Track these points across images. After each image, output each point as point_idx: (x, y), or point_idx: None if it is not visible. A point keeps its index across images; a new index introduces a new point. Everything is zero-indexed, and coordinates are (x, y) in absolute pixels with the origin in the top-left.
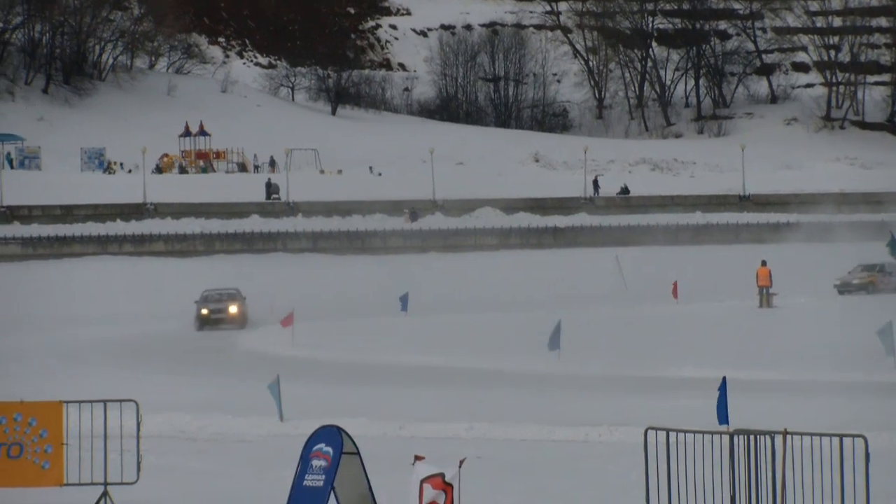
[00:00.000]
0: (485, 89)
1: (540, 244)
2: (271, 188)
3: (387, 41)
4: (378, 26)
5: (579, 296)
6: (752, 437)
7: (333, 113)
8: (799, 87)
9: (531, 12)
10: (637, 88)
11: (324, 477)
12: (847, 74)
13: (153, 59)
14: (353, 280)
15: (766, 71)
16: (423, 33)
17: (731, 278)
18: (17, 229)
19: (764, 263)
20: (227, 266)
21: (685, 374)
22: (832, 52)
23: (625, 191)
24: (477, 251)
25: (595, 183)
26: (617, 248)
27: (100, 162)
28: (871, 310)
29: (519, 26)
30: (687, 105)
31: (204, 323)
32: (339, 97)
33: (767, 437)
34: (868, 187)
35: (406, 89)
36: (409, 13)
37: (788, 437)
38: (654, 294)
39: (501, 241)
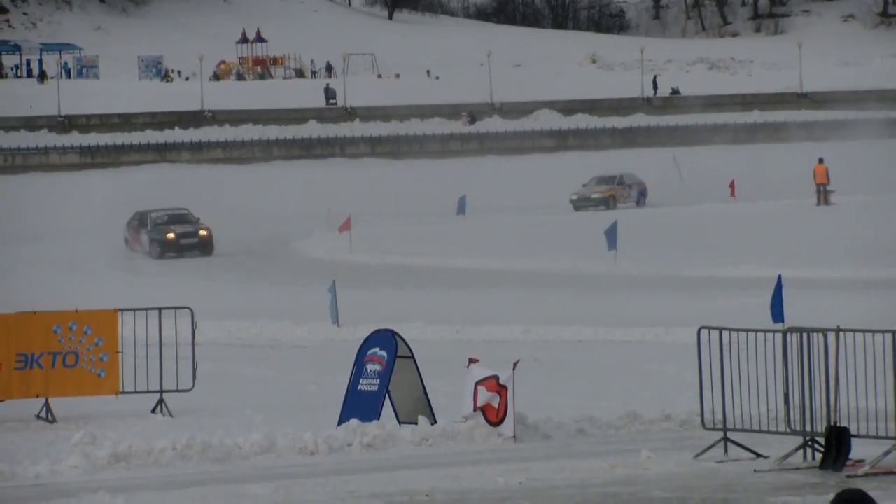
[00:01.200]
0: None
1: (597, 145)
2: (329, 93)
3: None
4: None
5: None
6: (804, 335)
7: (390, 17)
8: None
9: None
10: None
11: (378, 381)
12: None
13: None
14: (411, 184)
15: None
16: None
17: (789, 177)
18: (75, 138)
19: (821, 161)
20: (285, 172)
21: (741, 274)
22: None
23: (675, 92)
24: (535, 153)
25: (654, 83)
26: (674, 149)
27: (157, 70)
28: None
29: None
30: (743, 4)
31: (166, 249)
32: (396, 1)
33: (820, 335)
34: None
35: None
36: None
37: (841, 334)
38: (711, 193)
39: (559, 143)
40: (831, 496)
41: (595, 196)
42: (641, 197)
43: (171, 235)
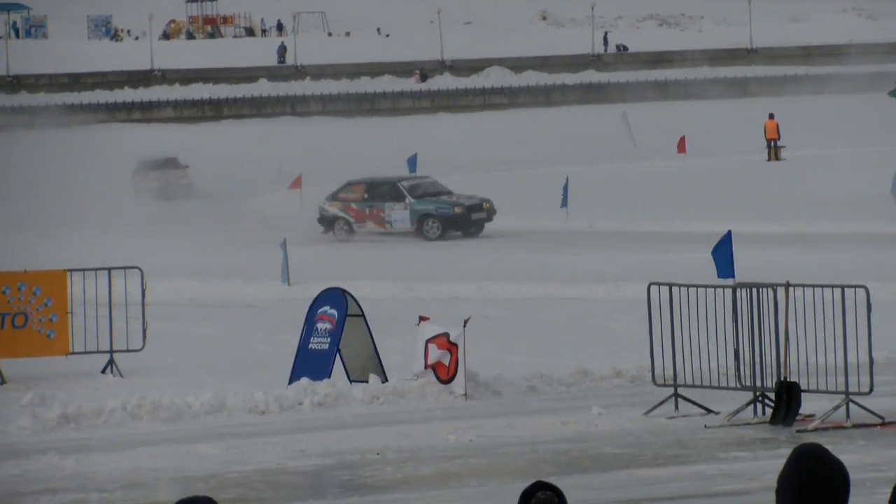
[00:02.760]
0: None
1: (548, 102)
2: (281, 52)
3: None
4: None
5: (588, 153)
6: (754, 290)
7: None
8: None
9: None
10: None
11: (329, 339)
12: None
13: None
14: (362, 142)
15: None
16: None
17: (740, 133)
18: (24, 98)
19: (771, 116)
20: (235, 130)
21: (691, 229)
22: None
23: (623, 48)
24: (486, 111)
25: (605, 39)
26: (625, 105)
27: (106, 29)
28: (881, 162)
29: None
30: None
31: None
32: None
33: (770, 290)
34: (875, 38)
35: None
36: None
37: (791, 288)
38: (662, 150)
39: (510, 101)
40: (786, 451)
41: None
42: None
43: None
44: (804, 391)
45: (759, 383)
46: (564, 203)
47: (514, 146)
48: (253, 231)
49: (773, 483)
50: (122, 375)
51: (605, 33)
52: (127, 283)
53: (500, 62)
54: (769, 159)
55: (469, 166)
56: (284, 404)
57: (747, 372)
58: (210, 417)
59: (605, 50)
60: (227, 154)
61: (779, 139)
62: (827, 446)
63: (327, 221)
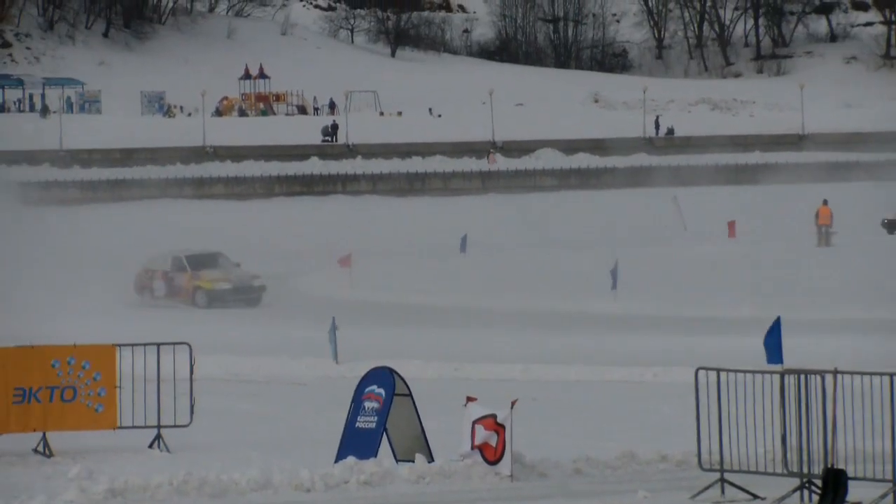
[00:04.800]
0: (544, 30)
1: (599, 184)
2: (325, 130)
3: None
4: None
5: (638, 236)
6: (802, 377)
7: (393, 55)
8: (858, 25)
9: None
10: (696, 28)
11: (376, 418)
12: None
13: (213, 1)
14: (413, 221)
15: (826, 9)
16: None
17: (790, 218)
18: (76, 173)
19: (825, 203)
20: (286, 208)
21: (740, 314)
22: None
23: (671, 132)
24: (536, 192)
25: (656, 123)
26: (676, 189)
27: (160, 105)
28: None
29: None
30: (746, 45)
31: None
32: (399, 39)
33: (818, 377)
34: None
35: (465, 31)
36: None
37: (839, 376)
38: (712, 234)
39: (561, 182)
40: None
41: None
42: None
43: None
44: (851, 478)
45: (805, 469)
46: (614, 285)
47: (563, 227)
48: (301, 308)
49: None
50: (168, 451)
51: (657, 117)
52: (175, 358)
53: (552, 144)
54: (819, 244)
55: (517, 247)
56: (330, 482)
57: (794, 458)
58: (256, 494)
59: (657, 133)
60: (278, 231)
61: (831, 225)
62: None
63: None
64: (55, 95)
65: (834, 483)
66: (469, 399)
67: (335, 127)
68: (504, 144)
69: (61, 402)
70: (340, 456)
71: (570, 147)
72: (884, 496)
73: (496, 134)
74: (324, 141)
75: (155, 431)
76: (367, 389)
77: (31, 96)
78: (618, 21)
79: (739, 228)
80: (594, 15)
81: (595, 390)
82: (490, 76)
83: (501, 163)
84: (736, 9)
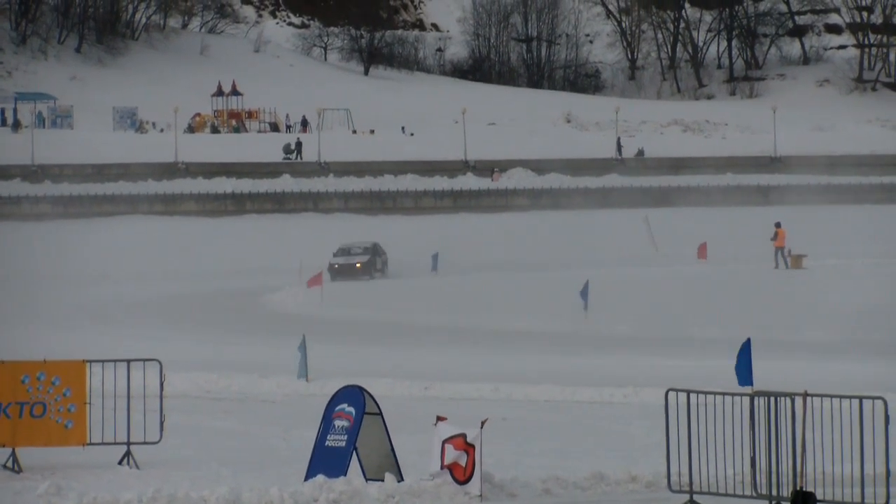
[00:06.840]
0: (517, 50)
1: (571, 205)
2: (286, 148)
3: (420, 1)
4: None
5: (609, 256)
6: (772, 399)
7: (366, 73)
8: (831, 48)
9: None
10: (669, 49)
11: (346, 437)
12: (879, 36)
13: (186, 18)
14: (384, 240)
15: (799, 32)
16: None
17: (761, 240)
18: (48, 188)
19: (778, 225)
20: (257, 225)
21: (709, 335)
22: (864, 14)
23: (640, 153)
24: (508, 211)
25: (618, 143)
26: (647, 209)
27: (132, 121)
28: None
29: None
30: (719, 66)
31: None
32: (372, 57)
33: (787, 399)
34: None
35: (439, 49)
36: None
37: (808, 398)
38: (682, 255)
39: (532, 202)
40: None
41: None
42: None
43: None
44: (820, 501)
45: (775, 492)
46: (585, 306)
47: (535, 247)
48: (272, 326)
49: None
50: (138, 467)
51: (618, 138)
52: (146, 374)
53: (523, 163)
54: (776, 267)
55: (489, 266)
56: (300, 500)
57: (763, 480)
58: None
59: (620, 155)
60: (250, 249)
61: (784, 247)
62: None
63: None
64: (27, 110)
65: None
66: (439, 418)
67: (299, 144)
68: (476, 163)
69: (31, 417)
70: (310, 474)
71: (541, 167)
72: None
73: (468, 153)
74: (285, 159)
75: (125, 448)
76: (337, 408)
77: (2, 111)
78: (591, 42)
79: (710, 250)
80: (567, 35)
81: (565, 410)
82: (463, 95)
83: (472, 182)
84: (709, 31)
